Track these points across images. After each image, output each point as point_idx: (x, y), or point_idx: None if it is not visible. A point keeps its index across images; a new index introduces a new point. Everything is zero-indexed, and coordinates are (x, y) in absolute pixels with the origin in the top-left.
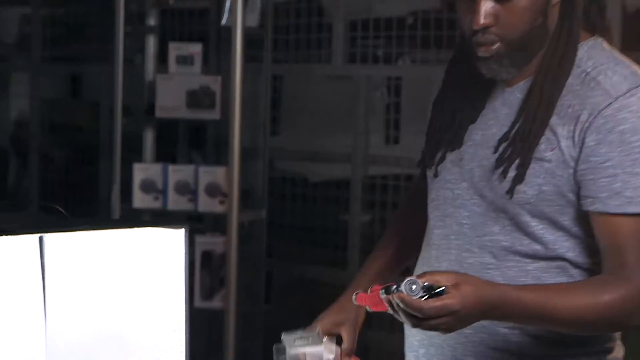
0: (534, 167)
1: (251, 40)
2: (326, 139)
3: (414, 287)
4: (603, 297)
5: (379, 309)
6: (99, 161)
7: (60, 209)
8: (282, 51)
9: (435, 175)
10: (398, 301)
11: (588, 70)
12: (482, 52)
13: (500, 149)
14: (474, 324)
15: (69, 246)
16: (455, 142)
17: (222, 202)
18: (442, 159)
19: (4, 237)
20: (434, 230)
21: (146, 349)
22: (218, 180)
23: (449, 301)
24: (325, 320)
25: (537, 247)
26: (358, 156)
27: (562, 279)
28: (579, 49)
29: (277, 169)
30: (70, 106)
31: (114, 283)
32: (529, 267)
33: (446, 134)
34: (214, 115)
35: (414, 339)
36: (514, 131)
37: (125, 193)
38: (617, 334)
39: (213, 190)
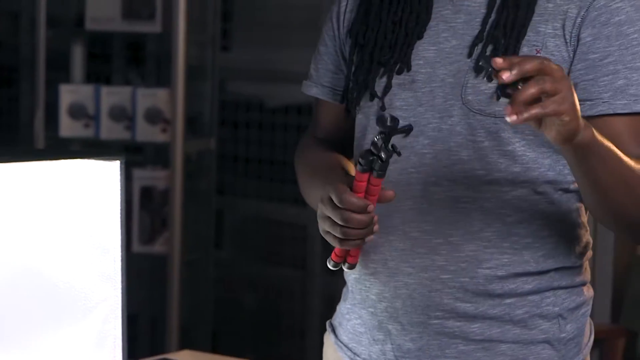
0: None
1: None
2: (286, 56)
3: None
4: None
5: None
6: (20, 82)
7: None
8: None
9: (383, 108)
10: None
11: None
12: None
13: (477, 50)
14: (452, 269)
15: None
16: (403, 63)
17: (164, 130)
18: (389, 86)
19: None
20: None
21: (75, 298)
22: (159, 105)
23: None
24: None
25: (516, 170)
26: None
27: (544, 207)
28: None
29: (229, 92)
30: None
31: (36, 223)
32: (508, 196)
33: (387, 55)
34: (154, 27)
35: (371, 292)
36: (488, 28)
37: (51, 119)
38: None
39: (154, 116)
